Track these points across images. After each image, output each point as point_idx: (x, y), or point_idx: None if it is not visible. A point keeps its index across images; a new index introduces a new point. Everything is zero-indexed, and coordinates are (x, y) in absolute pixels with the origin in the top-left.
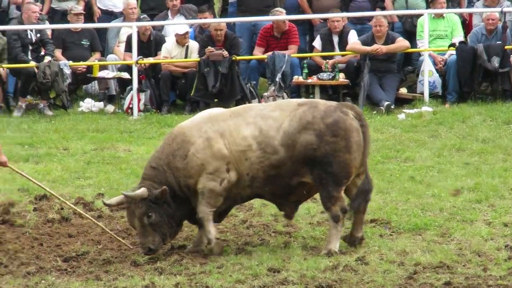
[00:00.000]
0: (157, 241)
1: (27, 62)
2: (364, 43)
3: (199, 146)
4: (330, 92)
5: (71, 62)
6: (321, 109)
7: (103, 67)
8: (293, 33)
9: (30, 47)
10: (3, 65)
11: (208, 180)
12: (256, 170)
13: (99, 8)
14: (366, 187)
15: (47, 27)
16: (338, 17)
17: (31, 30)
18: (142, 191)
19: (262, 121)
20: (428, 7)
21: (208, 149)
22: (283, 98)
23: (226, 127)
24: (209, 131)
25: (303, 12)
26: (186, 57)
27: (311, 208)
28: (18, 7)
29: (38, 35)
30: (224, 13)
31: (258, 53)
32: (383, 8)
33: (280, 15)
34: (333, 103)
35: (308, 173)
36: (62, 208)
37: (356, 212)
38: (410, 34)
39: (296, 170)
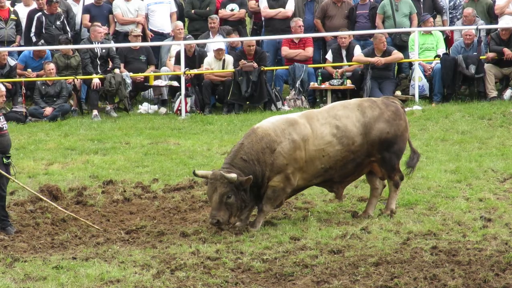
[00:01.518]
0: (226, 217)
1: (92, 73)
2: (366, 55)
3: (286, 146)
4: (339, 95)
5: (131, 74)
6: (380, 102)
7: (157, 77)
8: (308, 39)
9: (99, 62)
10: (78, 77)
11: (283, 181)
12: (334, 161)
13: (152, 30)
14: (417, 152)
15: (112, 45)
16: (346, 34)
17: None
18: (234, 176)
19: (335, 120)
20: (411, 25)
21: (292, 152)
22: (302, 100)
23: (306, 132)
24: (293, 134)
25: (318, 31)
26: (223, 68)
27: (324, 189)
28: (89, 30)
29: (104, 50)
30: (253, 33)
31: (286, 48)
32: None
33: (297, 23)
34: (380, 98)
35: (377, 152)
36: (125, 191)
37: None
38: (400, 47)
39: (368, 151)
